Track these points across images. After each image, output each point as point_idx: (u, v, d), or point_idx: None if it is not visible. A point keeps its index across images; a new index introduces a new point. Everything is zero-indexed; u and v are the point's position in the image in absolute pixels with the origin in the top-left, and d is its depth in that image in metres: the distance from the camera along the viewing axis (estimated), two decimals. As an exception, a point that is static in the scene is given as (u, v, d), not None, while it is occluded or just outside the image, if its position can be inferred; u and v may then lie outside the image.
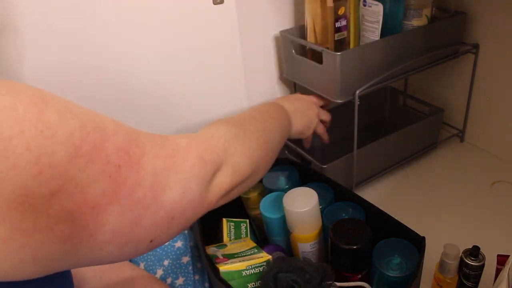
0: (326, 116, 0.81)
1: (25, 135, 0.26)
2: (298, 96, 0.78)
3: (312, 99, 0.79)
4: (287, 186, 0.71)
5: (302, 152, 0.88)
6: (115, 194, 0.31)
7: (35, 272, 0.28)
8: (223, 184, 0.44)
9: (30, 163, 0.25)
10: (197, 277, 0.67)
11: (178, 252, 0.68)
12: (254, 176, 0.52)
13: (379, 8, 0.74)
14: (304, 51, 0.86)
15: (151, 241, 0.35)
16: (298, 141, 0.87)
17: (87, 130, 0.29)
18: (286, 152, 0.95)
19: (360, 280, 0.59)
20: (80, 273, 0.55)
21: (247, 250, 0.62)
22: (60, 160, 0.27)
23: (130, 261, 0.65)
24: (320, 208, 0.63)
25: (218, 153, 0.44)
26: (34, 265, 0.28)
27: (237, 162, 0.47)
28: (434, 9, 0.82)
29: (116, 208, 0.31)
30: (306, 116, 0.74)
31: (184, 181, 0.37)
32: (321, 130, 0.81)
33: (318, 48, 0.77)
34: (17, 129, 0.25)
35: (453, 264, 0.59)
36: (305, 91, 0.88)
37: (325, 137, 0.83)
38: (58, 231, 0.27)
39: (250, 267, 0.57)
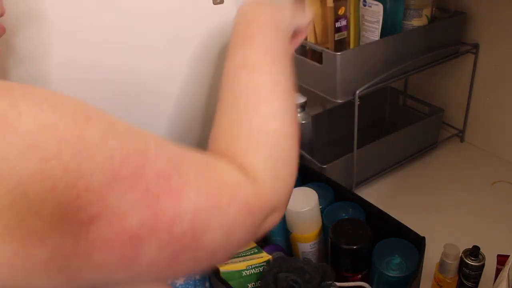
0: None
1: (63, 157, 0.24)
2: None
3: None
4: (287, 186, 0.71)
5: (302, 152, 0.88)
6: (154, 227, 0.28)
7: None
8: (278, 217, 0.40)
9: (68, 186, 0.24)
10: (197, 277, 0.67)
11: (178, 252, 0.68)
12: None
13: (379, 8, 0.74)
14: (304, 51, 0.86)
15: (188, 273, 0.35)
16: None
17: (128, 152, 0.27)
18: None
19: (360, 280, 0.59)
20: None
21: (247, 250, 0.62)
22: (98, 185, 0.25)
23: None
24: (320, 208, 0.63)
25: (266, 202, 0.37)
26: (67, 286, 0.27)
27: (290, 189, 0.41)
28: (434, 9, 0.82)
29: (155, 242, 0.29)
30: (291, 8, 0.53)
31: (227, 227, 0.33)
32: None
33: (318, 48, 0.77)
34: (55, 150, 0.24)
35: (453, 264, 0.59)
36: (305, 91, 0.89)
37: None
38: (96, 258, 0.26)
39: (250, 267, 0.57)
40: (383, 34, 0.77)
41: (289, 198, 0.42)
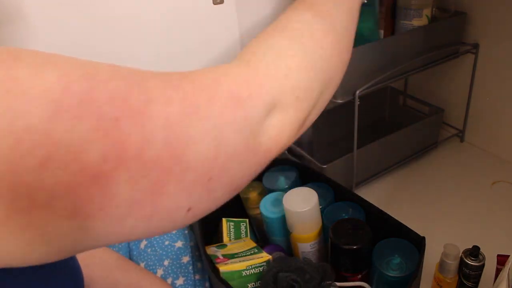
0: None
1: None
2: None
3: None
4: (287, 186, 0.71)
5: (302, 152, 0.88)
6: (119, 157, 0.24)
7: (48, 253, 0.24)
8: (284, 121, 0.32)
9: (4, 131, 0.21)
10: (197, 277, 0.67)
11: (178, 252, 0.68)
12: (329, 89, 0.39)
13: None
14: (304, 51, 0.86)
15: (188, 210, 0.28)
16: (298, 141, 0.87)
17: (70, 79, 0.23)
18: (286, 152, 0.95)
19: (360, 280, 0.59)
20: (87, 272, 0.55)
21: (247, 250, 0.62)
22: (38, 122, 0.21)
23: (132, 260, 0.65)
24: (320, 208, 0.63)
25: (263, 85, 0.31)
26: (45, 246, 0.23)
27: (298, 85, 0.33)
28: (434, 9, 0.82)
29: (124, 175, 0.24)
30: None
31: (213, 131, 0.27)
32: None
33: (318, 48, 0.77)
34: None
35: (453, 264, 0.59)
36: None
37: None
38: (59, 207, 0.23)
39: (250, 267, 0.57)
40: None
41: (309, 100, 0.34)
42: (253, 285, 0.58)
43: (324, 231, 0.64)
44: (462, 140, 1.01)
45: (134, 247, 0.69)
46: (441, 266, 0.60)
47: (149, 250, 0.68)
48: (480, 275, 0.60)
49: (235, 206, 0.74)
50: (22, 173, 0.21)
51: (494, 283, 0.57)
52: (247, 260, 0.58)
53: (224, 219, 0.69)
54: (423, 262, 0.55)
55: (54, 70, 0.23)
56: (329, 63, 0.37)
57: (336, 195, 0.69)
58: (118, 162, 0.24)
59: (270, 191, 0.70)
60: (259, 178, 0.60)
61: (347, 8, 0.42)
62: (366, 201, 0.65)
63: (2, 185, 0.21)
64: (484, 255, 0.59)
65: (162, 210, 0.26)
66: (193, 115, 0.27)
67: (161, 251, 0.68)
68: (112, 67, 0.26)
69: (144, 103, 0.25)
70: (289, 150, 0.94)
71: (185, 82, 0.28)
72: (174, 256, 0.68)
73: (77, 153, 0.22)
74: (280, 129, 0.32)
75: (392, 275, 0.55)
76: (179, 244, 0.69)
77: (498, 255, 0.60)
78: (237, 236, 0.68)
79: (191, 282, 0.66)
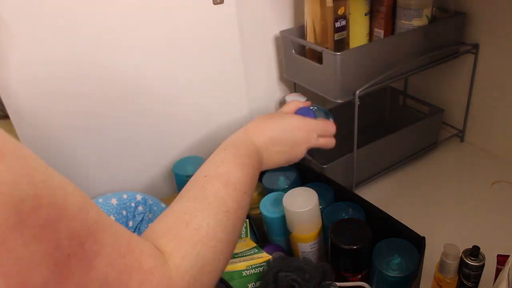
0: (327, 131, 0.66)
1: None
2: (288, 131, 0.62)
3: (305, 129, 0.63)
4: (287, 186, 0.71)
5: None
6: (57, 284, 0.26)
7: None
8: None
9: None
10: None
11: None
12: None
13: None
14: (304, 51, 0.86)
15: None
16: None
17: (41, 202, 0.25)
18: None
19: (360, 280, 0.59)
20: None
21: (247, 250, 0.62)
22: (3, 224, 0.23)
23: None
24: (320, 208, 0.63)
25: None
26: None
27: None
28: (434, 9, 0.82)
29: None
30: (290, 155, 0.63)
31: None
32: (324, 142, 0.66)
33: (318, 48, 0.77)
34: None
35: (453, 264, 0.59)
36: (305, 91, 0.89)
37: (330, 144, 0.67)
38: None
39: (250, 267, 0.57)
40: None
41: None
42: (253, 285, 0.58)
43: (324, 231, 0.64)
44: (462, 140, 1.01)
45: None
46: (441, 266, 0.60)
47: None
48: (480, 275, 0.60)
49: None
50: None
51: (494, 283, 0.57)
52: (247, 260, 0.58)
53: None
54: (423, 262, 0.55)
55: (30, 185, 0.25)
56: (225, 260, 0.45)
57: (336, 195, 0.69)
58: None
59: (270, 191, 0.70)
60: (259, 178, 0.60)
61: (247, 204, 0.52)
62: (366, 201, 0.65)
63: None
64: (484, 255, 0.59)
65: None
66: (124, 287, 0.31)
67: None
68: (81, 203, 0.29)
69: (94, 254, 0.28)
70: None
71: (129, 257, 0.32)
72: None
73: (22, 268, 0.24)
74: None
75: (392, 275, 0.55)
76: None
77: (498, 255, 0.60)
78: (237, 236, 0.68)
79: None
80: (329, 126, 0.66)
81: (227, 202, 0.47)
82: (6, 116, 1.34)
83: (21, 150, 0.26)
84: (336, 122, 0.86)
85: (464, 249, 0.60)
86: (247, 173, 0.53)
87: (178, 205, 0.45)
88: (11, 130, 0.74)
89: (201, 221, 0.43)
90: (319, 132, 0.65)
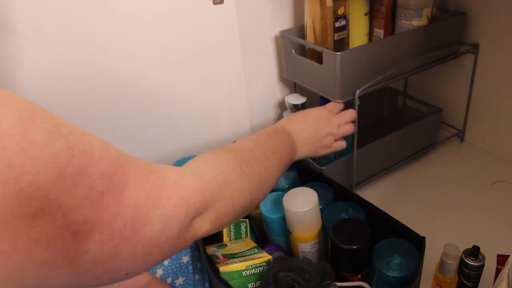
0: (346, 118, 0.71)
1: (6, 151, 0.25)
2: (308, 113, 0.70)
3: (323, 111, 0.70)
4: (286, 186, 0.71)
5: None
6: (97, 222, 0.30)
7: None
8: (201, 228, 0.43)
9: (10, 180, 0.25)
10: (197, 277, 0.67)
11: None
12: (238, 218, 0.50)
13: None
14: (304, 51, 0.86)
15: (126, 274, 0.34)
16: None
17: (73, 152, 0.29)
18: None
19: (360, 280, 0.59)
20: None
21: (247, 250, 0.62)
22: (43, 181, 0.26)
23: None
24: (320, 208, 0.63)
25: (205, 197, 0.42)
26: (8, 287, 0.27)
27: (222, 208, 0.45)
28: (434, 9, 0.82)
29: (97, 236, 0.30)
30: (316, 136, 0.67)
31: (165, 219, 0.36)
32: (343, 130, 0.71)
33: (318, 48, 0.77)
34: None
35: (453, 264, 0.59)
36: (305, 91, 0.89)
37: (350, 129, 0.72)
38: (37, 255, 0.27)
39: (250, 267, 0.57)
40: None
41: (234, 214, 0.47)
42: (253, 285, 0.58)
43: (324, 231, 0.64)
44: (462, 140, 1.01)
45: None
46: (441, 266, 0.60)
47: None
48: (480, 275, 0.60)
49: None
50: (16, 219, 0.25)
51: (494, 283, 0.57)
52: (247, 260, 0.58)
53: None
54: (423, 262, 0.55)
55: (61, 140, 0.28)
56: (249, 202, 0.50)
57: (336, 195, 0.69)
58: (95, 225, 0.30)
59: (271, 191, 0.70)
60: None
61: (279, 164, 0.57)
62: (366, 201, 0.65)
63: None
64: (484, 255, 0.59)
65: (112, 270, 0.33)
66: (155, 204, 0.35)
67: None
68: (102, 145, 0.32)
69: (123, 184, 0.33)
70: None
71: (153, 177, 0.37)
72: (174, 256, 0.68)
73: (66, 211, 0.27)
74: (197, 231, 0.43)
75: (392, 275, 0.55)
76: (179, 244, 0.70)
77: (498, 255, 0.60)
78: (237, 236, 0.68)
79: (191, 282, 0.66)
80: (340, 106, 0.73)
81: (253, 151, 0.53)
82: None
83: (45, 109, 0.29)
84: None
85: (464, 249, 0.60)
86: (277, 140, 0.59)
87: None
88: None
89: (227, 156, 0.49)
90: (335, 110, 0.72)
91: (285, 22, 0.93)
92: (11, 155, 0.25)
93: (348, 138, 0.74)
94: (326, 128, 0.68)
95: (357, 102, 0.76)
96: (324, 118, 0.69)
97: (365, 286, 0.58)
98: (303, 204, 0.60)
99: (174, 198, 0.38)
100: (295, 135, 0.65)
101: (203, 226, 0.43)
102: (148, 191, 0.35)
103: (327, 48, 0.78)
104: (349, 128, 0.72)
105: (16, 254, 0.26)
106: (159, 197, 0.36)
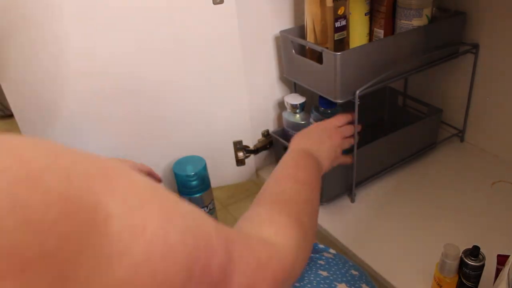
0: (348, 132, 0.75)
1: (151, 262, 0.24)
2: (318, 127, 0.72)
3: (330, 124, 0.73)
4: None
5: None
6: None
7: None
8: (289, 285, 0.46)
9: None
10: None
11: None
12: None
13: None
14: (304, 51, 0.86)
15: None
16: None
17: (199, 248, 0.29)
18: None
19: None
20: None
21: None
22: (179, 283, 0.26)
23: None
24: None
25: (288, 272, 0.44)
26: None
27: (297, 271, 0.47)
28: (434, 9, 0.82)
29: None
30: (332, 148, 0.69)
31: None
32: (345, 160, 0.77)
33: (318, 48, 0.77)
34: (144, 255, 0.24)
35: (453, 264, 0.59)
36: (305, 91, 0.89)
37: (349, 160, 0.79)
38: None
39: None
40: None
41: (301, 270, 0.48)
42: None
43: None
44: (462, 140, 1.01)
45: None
46: (441, 266, 0.60)
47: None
48: (480, 275, 0.60)
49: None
50: None
51: (494, 283, 0.57)
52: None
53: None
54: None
55: (191, 239, 0.28)
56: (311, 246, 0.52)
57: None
58: None
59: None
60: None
61: (318, 191, 0.58)
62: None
63: None
64: (484, 255, 0.59)
65: None
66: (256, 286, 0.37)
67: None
68: (216, 229, 0.32)
69: (232, 273, 0.33)
70: (286, 148, 0.93)
71: (251, 258, 0.37)
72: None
73: None
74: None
75: None
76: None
77: (498, 255, 0.60)
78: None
79: None
80: (347, 117, 0.75)
81: (301, 195, 0.54)
82: (6, 116, 1.34)
83: (177, 200, 0.30)
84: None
85: (464, 249, 0.60)
86: (310, 170, 0.60)
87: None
88: (13, 129, 0.74)
89: (293, 215, 0.49)
90: (341, 122, 0.74)
91: (285, 22, 0.93)
92: (156, 264, 0.25)
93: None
94: (336, 139, 0.71)
95: (357, 102, 0.76)
96: (333, 131, 0.72)
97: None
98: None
99: (267, 281, 0.39)
100: (316, 153, 0.65)
101: (289, 285, 0.45)
102: (248, 276, 0.36)
103: (327, 48, 0.78)
104: (351, 141, 0.76)
105: None
106: (256, 281, 0.37)
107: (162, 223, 0.26)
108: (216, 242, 0.31)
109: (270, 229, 0.46)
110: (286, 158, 0.62)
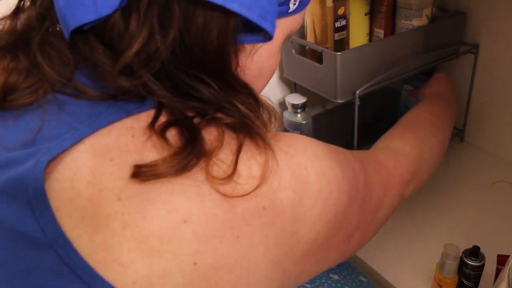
0: None
1: (332, 194, 0.35)
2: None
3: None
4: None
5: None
6: (360, 224, 0.39)
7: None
8: (406, 196, 0.54)
9: (337, 215, 0.36)
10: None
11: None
12: (427, 179, 0.61)
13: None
14: (304, 51, 0.86)
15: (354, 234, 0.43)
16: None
17: (351, 178, 0.38)
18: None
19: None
20: None
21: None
22: (352, 210, 0.37)
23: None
24: None
25: (412, 173, 0.52)
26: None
27: (420, 177, 0.55)
28: (434, 9, 0.82)
29: (358, 233, 0.40)
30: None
31: (392, 202, 0.47)
32: None
33: (318, 48, 0.77)
34: (338, 195, 0.36)
35: (453, 264, 0.59)
36: (305, 91, 0.89)
37: None
38: (331, 257, 0.38)
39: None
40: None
41: (425, 179, 0.59)
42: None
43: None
44: (462, 140, 1.01)
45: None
46: (441, 266, 0.60)
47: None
48: (480, 275, 0.60)
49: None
50: (330, 240, 0.37)
51: (494, 283, 0.57)
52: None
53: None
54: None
55: (346, 168, 0.39)
56: (436, 166, 0.62)
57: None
58: (359, 227, 0.41)
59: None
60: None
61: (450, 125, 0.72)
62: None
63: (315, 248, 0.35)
64: (484, 255, 0.59)
65: (356, 250, 0.42)
66: (386, 194, 0.47)
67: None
68: (356, 160, 0.42)
69: (371, 187, 0.42)
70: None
71: (382, 170, 0.48)
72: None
73: (344, 224, 0.37)
74: (405, 196, 0.55)
75: None
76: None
77: (498, 255, 0.60)
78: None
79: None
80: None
81: (433, 122, 0.65)
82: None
83: (335, 149, 0.40)
84: (336, 122, 0.87)
85: (464, 249, 0.60)
86: (445, 106, 0.73)
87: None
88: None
89: (422, 133, 0.61)
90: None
91: (285, 22, 0.92)
92: (336, 195, 0.35)
93: (348, 138, 0.74)
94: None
95: (357, 102, 0.76)
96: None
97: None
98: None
99: (396, 184, 0.48)
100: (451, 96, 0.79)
101: (407, 194, 0.54)
102: (382, 184, 0.45)
103: (327, 48, 0.78)
104: None
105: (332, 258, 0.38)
106: (388, 187, 0.46)
107: (335, 169, 0.36)
108: (357, 166, 0.40)
109: (400, 142, 0.57)
110: (438, 104, 0.73)
